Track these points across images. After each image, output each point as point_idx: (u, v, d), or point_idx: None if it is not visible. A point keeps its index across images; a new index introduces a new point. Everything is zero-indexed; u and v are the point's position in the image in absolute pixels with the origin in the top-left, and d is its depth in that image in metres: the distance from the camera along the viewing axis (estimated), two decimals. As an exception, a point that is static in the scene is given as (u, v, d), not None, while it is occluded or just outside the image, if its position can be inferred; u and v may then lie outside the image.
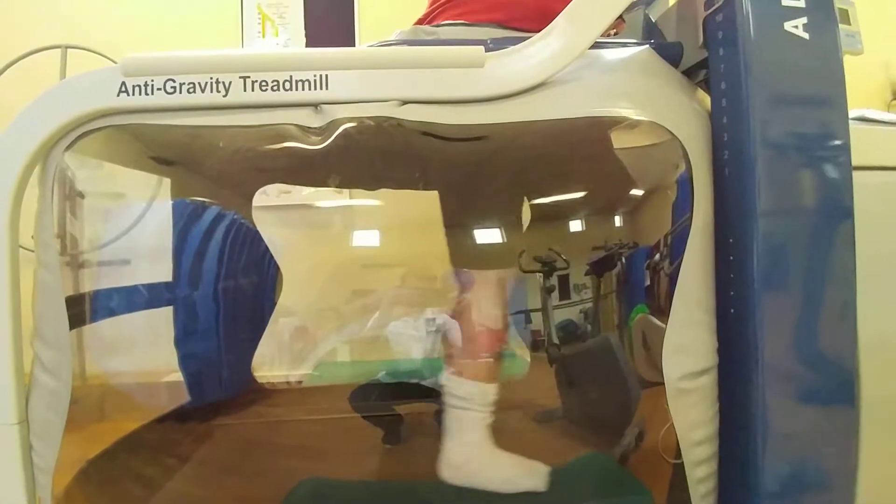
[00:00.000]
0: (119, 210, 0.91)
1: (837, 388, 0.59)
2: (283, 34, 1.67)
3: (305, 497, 0.67)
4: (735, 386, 0.59)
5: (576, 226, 0.76)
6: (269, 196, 0.93)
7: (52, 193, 0.59)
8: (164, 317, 0.98)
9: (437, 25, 0.77)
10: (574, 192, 0.71)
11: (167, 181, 0.89)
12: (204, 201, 0.87)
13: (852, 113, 0.73)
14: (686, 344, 0.55)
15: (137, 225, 0.82)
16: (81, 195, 0.80)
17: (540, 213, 0.74)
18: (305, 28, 1.68)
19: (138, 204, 0.89)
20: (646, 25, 0.78)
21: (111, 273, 0.92)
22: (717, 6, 0.60)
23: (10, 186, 0.57)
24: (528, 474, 0.66)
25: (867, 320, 0.61)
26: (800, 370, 0.59)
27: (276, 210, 1.03)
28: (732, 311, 0.59)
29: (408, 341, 0.97)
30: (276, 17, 1.65)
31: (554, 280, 0.80)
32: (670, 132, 0.56)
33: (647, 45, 0.66)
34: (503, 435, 0.71)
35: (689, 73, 0.70)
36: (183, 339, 0.98)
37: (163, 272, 0.95)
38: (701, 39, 0.64)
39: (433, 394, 0.77)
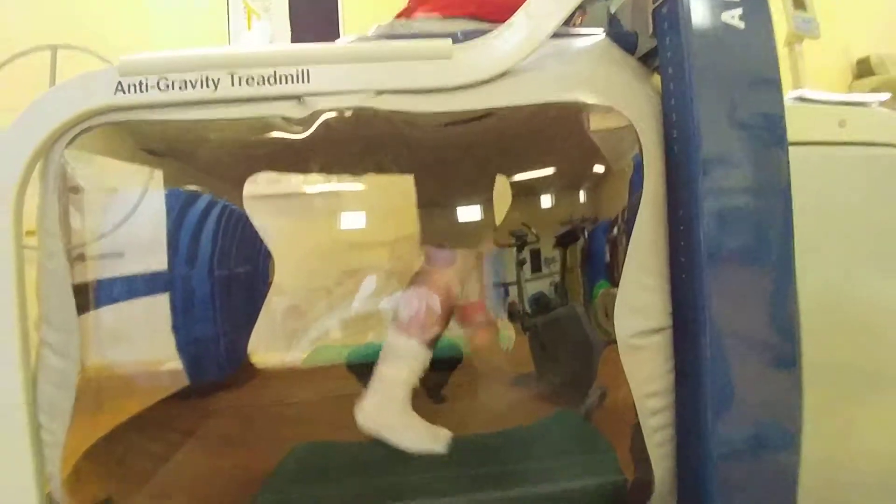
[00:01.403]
0: (114, 203, 0.95)
1: (781, 349, 0.66)
2: (268, 25, 1.69)
3: (299, 460, 0.73)
4: (686, 346, 0.65)
5: (543, 202, 0.82)
6: (259, 185, 0.97)
7: (54, 187, 0.63)
8: (161, 307, 1.03)
9: (414, 19, 0.82)
10: (539, 170, 0.77)
11: (159, 173, 0.93)
12: (196, 190, 0.91)
13: (792, 94, 0.80)
14: (636, 305, 0.62)
15: (133, 216, 0.86)
16: (77, 190, 0.84)
17: (511, 190, 0.80)
18: (290, 20, 1.70)
19: (132, 196, 0.93)
20: (606, 17, 0.84)
21: (108, 265, 0.96)
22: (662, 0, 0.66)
23: (15, 181, 0.62)
24: (433, 438, 0.74)
25: (809, 286, 0.68)
26: (745, 332, 0.65)
27: (267, 199, 1.08)
28: (683, 276, 0.66)
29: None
30: (262, 10, 1.67)
31: (526, 254, 0.87)
32: (623, 115, 0.62)
33: (605, 36, 0.72)
34: (483, 397, 0.77)
35: (644, 60, 0.76)
36: (180, 323, 1.03)
37: (159, 261, 1.00)
38: (651, 29, 0.70)
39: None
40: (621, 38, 0.77)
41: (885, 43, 2.26)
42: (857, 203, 0.75)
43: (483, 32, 0.71)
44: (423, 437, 0.76)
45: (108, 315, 0.92)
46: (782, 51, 1.87)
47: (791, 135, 0.69)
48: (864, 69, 2.27)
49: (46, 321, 0.64)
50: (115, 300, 0.95)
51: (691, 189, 0.64)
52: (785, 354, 0.66)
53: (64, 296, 0.63)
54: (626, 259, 0.62)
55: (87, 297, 0.89)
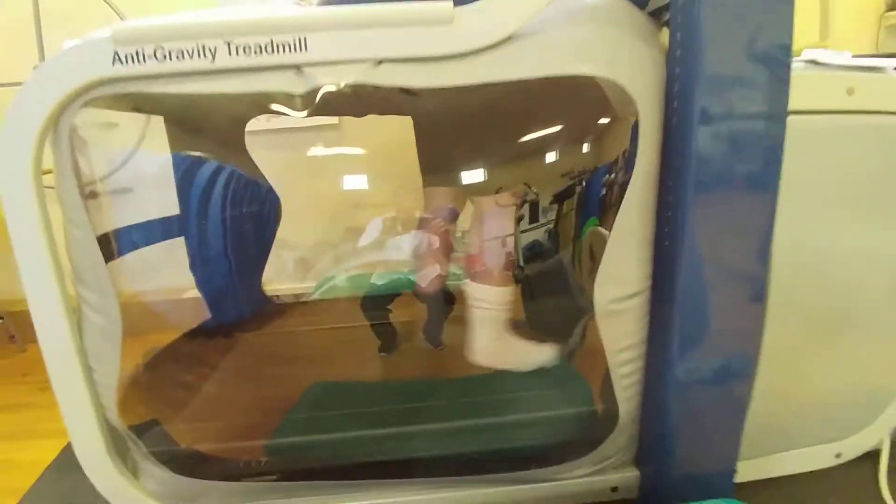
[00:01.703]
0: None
1: (752, 284, 0.70)
2: None
3: (317, 396, 0.84)
4: (663, 279, 0.70)
5: (545, 159, 0.84)
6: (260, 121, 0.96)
7: (67, 157, 0.66)
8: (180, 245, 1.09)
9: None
10: (542, 129, 0.77)
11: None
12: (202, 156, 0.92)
13: (805, 54, 0.77)
14: (617, 275, 0.67)
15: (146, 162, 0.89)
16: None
17: (511, 150, 0.81)
18: None
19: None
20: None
21: (122, 212, 1.00)
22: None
23: (27, 171, 0.63)
24: (541, 353, 0.84)
25: (787, 236, 0.71)
26: (719, 265, 0.68)
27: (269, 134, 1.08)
28: (669, 213, 0.69)
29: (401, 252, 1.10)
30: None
31: (525, 210, 0.90)
32: (624, 89, 0.62)
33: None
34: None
35: (656, 14, 0.72)
36: (197, 264, 1.10)
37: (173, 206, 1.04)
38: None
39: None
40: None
41: None
42: (862, 171, 0.75)
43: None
44: (534, 356, 0.87)
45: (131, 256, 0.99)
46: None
47: (797, 103, 0.68)
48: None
49: (81, 281, 0.70)
50: (135, 246, 1.01)
51: (684, 161, 0.65)
52: (755, 290, 0.71)
53: (94, 260, 0.68)
54: (612, 233, 0.65)
55: (111, 247, 0.95)
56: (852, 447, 0.93)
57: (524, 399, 0.89)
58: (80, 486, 0.91)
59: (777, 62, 0.63)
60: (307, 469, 0.82)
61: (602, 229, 0.82)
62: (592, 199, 0.88)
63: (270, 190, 1.09)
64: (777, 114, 0.65)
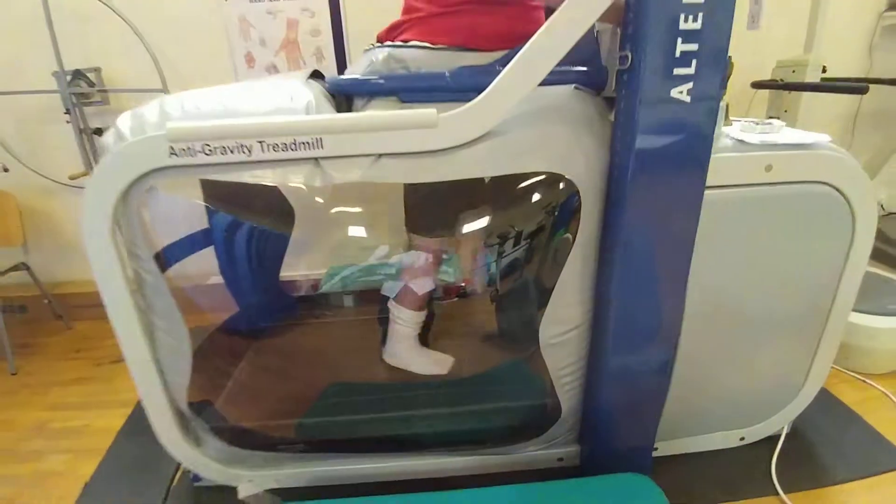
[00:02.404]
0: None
1: (672, 301, 0.89)
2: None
3: (334, 395, 1.07)
4: (601, 291, 0.90)
5: (523, 208, 1.01)
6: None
7: (137, 223, 0.84)
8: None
9: (405, 44, 0.89)
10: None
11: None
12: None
13: (733, 129, 0.92)
14: (560, 318, 0.87)
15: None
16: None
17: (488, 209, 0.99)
18: None
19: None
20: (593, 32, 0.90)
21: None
22: (625, 67, 0.75)
23: (105, 234, 0.81)
24: (439, 363, 1.09)
25: (710, 276, 0.91)
26: (644, 291, 0.86)
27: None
28: (607, 256, 0.88)
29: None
30: None
31: (506, 245, 1.09)
32: (569, 180, 0.78)
33: (574, 87, 0.82)
34: (460, 348, 1.09)
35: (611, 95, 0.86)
36: (225, 268, 1.30)
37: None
38: (614, 86, 0.80)
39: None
40: (595, 75, 0.86)
41: None
42: (774, 229, 0.92)
43: (470, 71, 0.82)
44: (430, 363, 1.11)
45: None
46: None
47: (722, 180, 0.85)
48: None
49: (153, 312, 0.90)
50: (180, 259, 1.20)
51: (616, 226, 0.82)
52: (672, 317, 0.92)
53: (165, 299, 0.88)
54: (557, 285, 0.85)
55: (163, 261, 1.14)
56: (754, 433, 1.18)
57: (495, 393, 1.13)
58: (148, 446, 1.19)
59: (698, 155, 0.79)
60: (326, 442, 1.08)
61: (568, 235, 1.00)
62: (563, 217, 1.05)
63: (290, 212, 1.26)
64: (695, 190, 0.82)
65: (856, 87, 1.39)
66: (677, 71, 0.73)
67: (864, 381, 1.48)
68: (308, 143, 0.76)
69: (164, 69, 1.74)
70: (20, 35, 1.74)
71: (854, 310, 1.55)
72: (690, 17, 0.70)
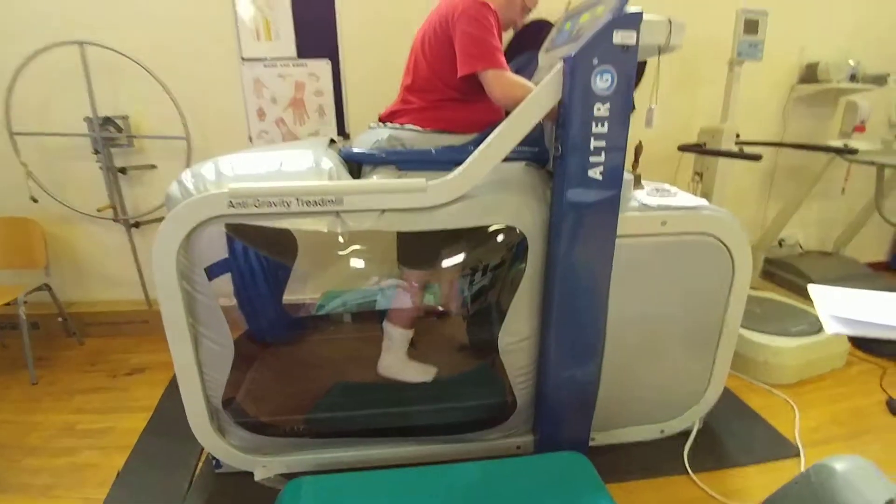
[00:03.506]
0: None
1: (594, 328, 1.21)
2: (276, 37, 1.92)
3: (340, 393, 1.33)
4: (545, 325, 1.21)
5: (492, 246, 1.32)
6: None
7: (197, 257, 1.10)
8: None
9: (402, 127, 1.21)
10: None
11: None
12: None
13: (646, 193, 1.25)
14: (514, 329, 1.17)
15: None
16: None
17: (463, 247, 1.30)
18: (296, 33, 1.94)
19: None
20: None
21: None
22: (558, 154, 1.08)
23: (171, 263, 1.08)
24: (425, 372, 1.36)
25: (628, 303, 1.23)
26: (575, 319, 1.19)
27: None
28: (548, 288, 1.19)
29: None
30: (267, 8, 1.88)
31: (476, 278, 1.39)
32: (520, 230, 1.10)
33: (524, 163, 1.15)
34: (439, 356, 1.37)
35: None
36: (239, 291, 1.55)
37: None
38: (552, 166, 1.13)
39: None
40: (541, 154, 1.20)
41: (839, 51, 2.41)
42: (670, 267, 1.25)
43: (452, 150, 1.14)
44: (417, 373, 1.38)
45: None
46: (723, 69, 2.16)
47: (629, 231, 1.18)
48: (809, 74, 2.44)
49: (203, 325, 1.16)
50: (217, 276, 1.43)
51: (553, 268, 1.14)
52: (596, 331, 1.22)
53: (216, 315, 1.14)
54: (511, 304, 1.15)
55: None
56: (671, 427, 1.48)
57: (464, 391, 1.41)
58: (171, 443, 1.41)
59: (609, 214, 1.12)
60: (332, 431, 1.33)
61: (523, 266, 1.29)
62: (517, 255, 1.36)
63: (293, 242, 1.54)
64: (609, 238, 1.14)
65: (751, 155, 1.78)
66: (592, 159, 1.06)
67: (769, 391, 1.81)
68: (332, 200, 1.05)
69: (186, 119, 2.02)
70: (56, 82, 1.99)
71: (763, 331, 1.93)
72: (600, 124, 1.03)
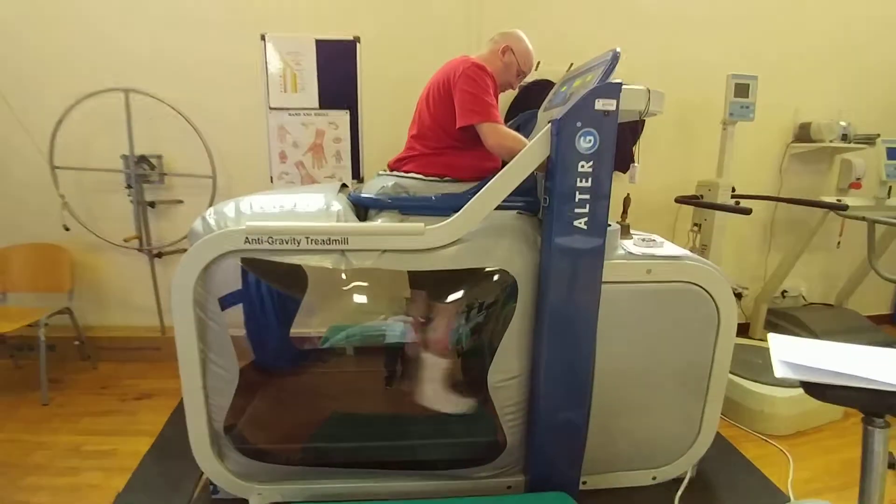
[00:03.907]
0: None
1: (582, 375, 1.26)
2: (301, 89, 2.13)
3: (336, 422, 1.38)
4: (534, 374, 1.26)
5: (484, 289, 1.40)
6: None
7: (212, 287, 1.20)
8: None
9: (406, 174, 1.33)
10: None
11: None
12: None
13: (634, 238, 1.33)
14: (503, 367, 1.22)
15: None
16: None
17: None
18: (319, 91, 2.15)
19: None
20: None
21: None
22: (546, 205, 1.18)
23: (188, 292, 1.18)
24: (461, 404, 1.39)
25: (617, 354, 1.28)
26: (563, 366, 1.24)
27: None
28: (537, 330, 1.25)
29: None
30: (294, 64, 2.09)
31: (471, 315, 1.46)
32: (511, 275, 1.18)
33: (516, 212, 1.24)
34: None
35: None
36: (249, 322, 1.63)
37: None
38: (541, 214, 1.22)
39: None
40: (533, 203, 1.30)
41: (831, 113, 2.53)
42: (655, 314, 1.31)
43: (451, 198, 1.24)
44: (457, 405, 1.41)
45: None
46: (717, 128, 2.29)
47: (616, 277, 1.25)
48: (803, 134, 2.56)
49: (213, 351, 1.24)
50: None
51: (542, 309, 1.21)
52: (583, 378, 1.27)
53: (226, 344, 1.22)
54: (500, 343, 1.21)
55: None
56: (664, 473, 1.48)
57: (457, 428, 1.44)
58: (171, 467, 1.45)
59: (594, 260, 1.19)
60: (327, 461, 1.36)
61: (514, 305, 1.35)
62: (509, 296, 1.42)
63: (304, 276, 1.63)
64: (594, 283, 1.21)
65: (742, 209, 1.86)
66: (577, 210, 1.15)
67: (765, 441, 1.80)
68: (338, 240, 1.16)
69: (213, 159, 2.19)
70: (99, 122, 2.19)
71: (758, 381, 1.94)
72: (584, 179, 1.13)
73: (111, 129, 2.17)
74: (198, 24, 2.16)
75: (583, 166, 1.11)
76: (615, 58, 1.15)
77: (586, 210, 1.15)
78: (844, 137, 2.51)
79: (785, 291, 2.87)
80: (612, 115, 1.08)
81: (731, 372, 2.05)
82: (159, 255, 2.28)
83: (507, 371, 1.25)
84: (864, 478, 0.84)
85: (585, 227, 1.16)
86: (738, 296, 2.82)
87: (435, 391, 1.43)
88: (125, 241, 2.16)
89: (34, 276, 2.21)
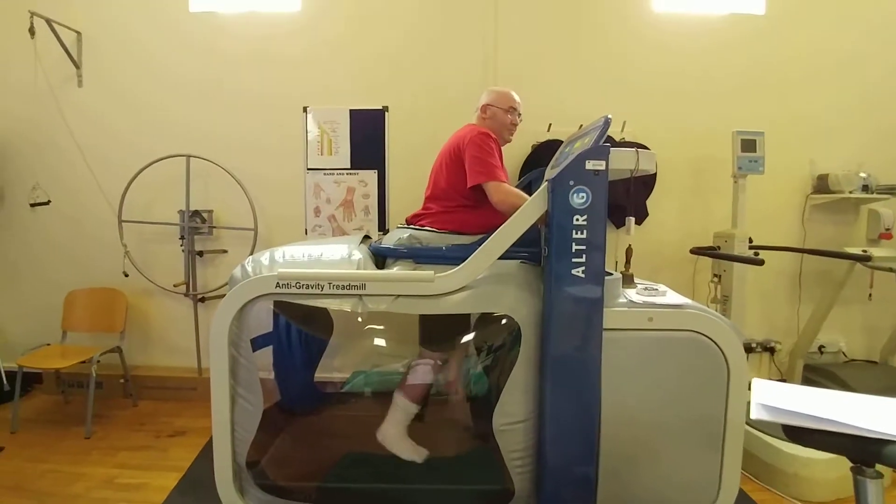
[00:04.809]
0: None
1: (589, 416, 1.27)
2: (335, 152, 2.40)
3: (349, 463, 1.44)
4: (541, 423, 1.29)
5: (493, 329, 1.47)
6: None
7: (245, 328, 1.34)
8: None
9: (422, 228, 1.47)
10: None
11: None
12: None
13: (638, 287, 1.39)
14: (508, 411, 1.27)
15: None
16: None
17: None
18: (351, 152, 2.41)
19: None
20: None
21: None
22: (545, 255, 1.28)
23: (225, 331, 1.32)
24: (416, 452, 1.43)
25: (622, 403, 1.30)
26: (570, 415, 1.27)
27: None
28: (542, 376, 1.29)
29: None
30: (331, 131, 2.38)
31: (481, 358, 1.53)
32: (515, 321, 1.26)
33: (519, 262, 1.35)
34: (445, 434, 1.46)
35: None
36: (277, 363, 1.75)
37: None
38: (542, 262, 1.32)
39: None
40: (535, 254, 1.39)
41: (848, 163, 2.54)
42: (658, 361, 1.34)
43: (460, 248, 1.36)
44: (410, 451, 1.46)
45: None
46: (728, 181, 2.36)
47: (618, 325, 1.30)
48: (822, 185, 2.57)
49: (241, 386, 1.35)
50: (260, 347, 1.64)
51: (546, 354, 1.26)
52: (590, 424, 1.28)
53: (253, 378, 1.34)
54: (505, 387, 1.26)
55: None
56: (686, 530, 1.42)
57: (464, 472, 1.46)
58: (196, 502, 1.52)
59: (592, 307, 1.26)
60: (343, 500, 1.41)
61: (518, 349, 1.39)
62: (514, 341, 1.48)
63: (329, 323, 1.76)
64: (595, 330, 1.26)
65: (754, 260, 1.88)
66: (574, 260, 1.24)
67: (802, 507, 1.69)
68: (357, 286, 1.28)
69: (256, 214, 2.44)
70: (161, 182, 2.51)
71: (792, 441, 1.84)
72: (579, 231, 1.23)
73: (171, 189, 2.48)
74: (250, 101, 2.51)
75: (577, 220, 1.21)
76: (606, 123, 1.29)
77: (583, 259, 1.24)
78: (866, 188, 2.50)
79: (822, 346, 2.74)
80: (602, 175, 1.19)
81: (761, 431, 1.97)
82: (203, 299, 2.49)
83: (512, 415, 1.29)
84: (867, 538, 0.78)
85: (583, 275, 1.24)
86: (771, 350, 2.72)
87: (396, 435, 1.49)
88: (174, 286, 2.39)
89: (93, 317, 2.46)
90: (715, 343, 1.35)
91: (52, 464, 1.89)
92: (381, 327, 1.59)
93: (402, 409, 1.50)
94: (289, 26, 2.51)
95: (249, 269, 1.37)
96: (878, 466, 0.79)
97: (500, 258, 1.30)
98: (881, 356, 2.66)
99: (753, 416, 0.78)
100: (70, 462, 1.91)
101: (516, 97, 1.68)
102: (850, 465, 0.80)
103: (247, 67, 2.51)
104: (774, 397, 0.79)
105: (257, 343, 1.48)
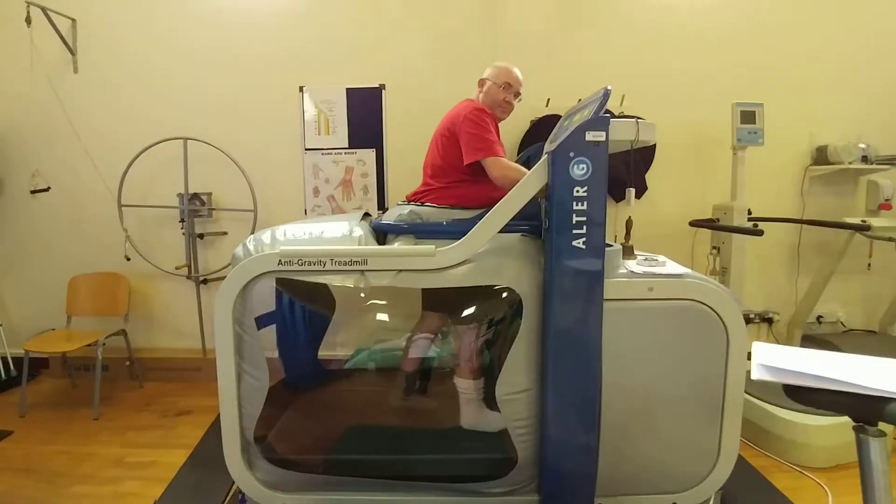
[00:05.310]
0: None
1: (590, 391, 1.29)
2: (333, 132, 2.37)
3: (356, 434, 1.46)
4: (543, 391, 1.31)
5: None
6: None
7: (250, 305, 1.34)
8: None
9: (422, 204, 1.47)
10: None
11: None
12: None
13: (629, 265, 1.39)
14: (510, 381, 1.29)
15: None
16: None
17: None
18: (349, 129, 2.38)
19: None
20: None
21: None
22: (546, 227, 1.27)
23: (229, 309, 1.33)
24: (497, 422, 1.45)
25: (622, 373, 1.32)
26: (571, 386, 1.29)
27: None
28: (544, 346, 1.31)
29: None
30: (327, 110, 2.34)
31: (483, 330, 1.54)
32: (516, 291, 1.27)
33: (520, 235, 1.34)
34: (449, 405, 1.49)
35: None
36: (281, 341, 1.77)
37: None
38: (543, 235, 1.32)
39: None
40: (536, 227, 1.39)
41: (847, 135, 2.52)
42: (658, 331, 1.35)
43: (461, 223, 1.36)
44: (496, 423, 1.47)
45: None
46: (727, 154, 2.34)
47: (619, 295, 1.31)
48: (821, 157, 2.56)
49: (246, 362, 1.37)
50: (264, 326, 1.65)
51: (547, 327, 1.27)
52: (591, 395, 1.30)
53: (258, 355, 1.35)
54: (508, 356, 1.28)
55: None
56: (685, 499, 1.46)
57: (471, 443, 1.49)
58: (205, 478, 1.56)
59: (593, 278, 1.26)
60: (349, 471, 1.44)
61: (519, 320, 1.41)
62: (516, 312, 1.49)
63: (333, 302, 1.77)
64: (596, 300, 1.27)
65: (753, 231, 1.88)
66: (575, 231, 1.24)
67: (800, 472, 1.73)
68: (358, 261, 1.29)
69: (255, 195, 2.43)
70: (160, 166, 2.49)
71: (790, 408, 1.87)
72: (579, 203, 1.23)
73: (169, 171, 2.46)
74: (246, 82, 2.47)
75: (577, 191, 1.21)
76: (606, 94, 1.27)
77: (584, 231, 1.24)
78: (865, 159, 2.49)
79: (821, 317, 2.77)
80: (601, 146, 1.18)
81: (760, 398, 2.00)
82: (205, 281, 2.49)
83: (514, 385, 1.31)
84: (866, 496, 0.78)
85: (584, 247, 1.24)
86: (769, 320, 2.76)
87: (472, 412, 1.50)
88: (176, 269, 2.40)
89: (96, 302, 2.47)
90: (714, 311, 1.36)
91: (62, 445, 1.93)
92: (383, 302, 1.59)
93: (465, 390, 1.50)
94: (284, 5, 2.46)
95: (251, 247, 1.37)
96: (881, 426, 0.79)
97: (500, 232, 1.30)
98: (880, 326, 2.69)
99: (754, 376, 0.80)
100: (79, 443, 1.94)
101: (516, 74, 1.63)
102: (853, 424, 0.80)
103: (243, 49, 2.46)
104: (775, 358, 0.80)
105: (261, 322, 1.49)
